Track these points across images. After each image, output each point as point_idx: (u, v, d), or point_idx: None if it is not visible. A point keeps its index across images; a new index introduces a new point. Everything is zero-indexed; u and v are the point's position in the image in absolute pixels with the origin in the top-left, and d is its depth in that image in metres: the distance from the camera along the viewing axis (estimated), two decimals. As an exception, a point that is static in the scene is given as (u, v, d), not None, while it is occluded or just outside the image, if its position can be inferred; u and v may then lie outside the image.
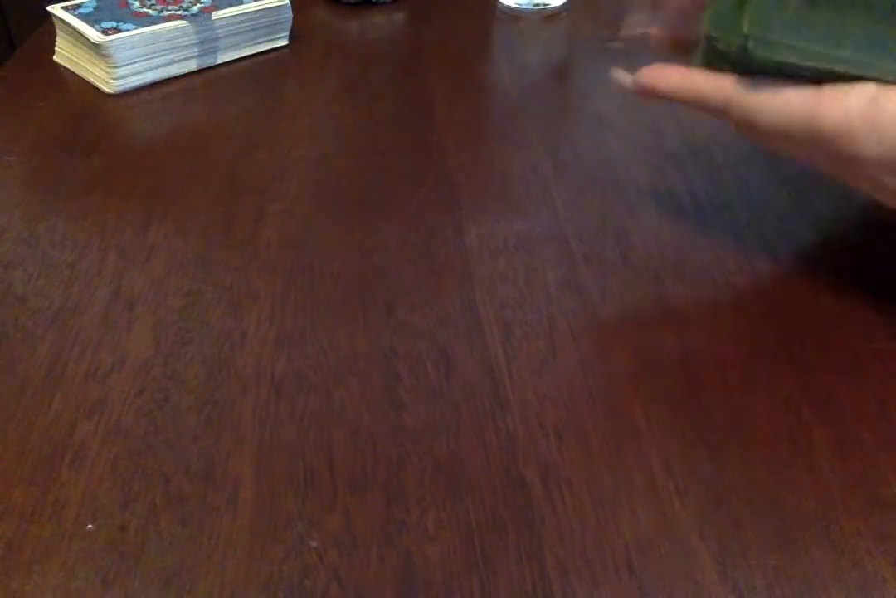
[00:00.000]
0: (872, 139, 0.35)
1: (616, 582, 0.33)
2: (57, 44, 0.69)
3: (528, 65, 0.71)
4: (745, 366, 0.42)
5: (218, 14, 0.67)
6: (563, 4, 0.79)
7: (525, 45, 0.74)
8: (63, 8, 0.67)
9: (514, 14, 0.78)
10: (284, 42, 0.72)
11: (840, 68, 0.36)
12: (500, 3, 0.79)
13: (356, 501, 0.36)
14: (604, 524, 0.35)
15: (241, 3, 0.69)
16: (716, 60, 0.40)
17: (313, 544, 0.34)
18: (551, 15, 0.79)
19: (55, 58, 0.69)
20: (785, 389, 0.41)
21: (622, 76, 0.45)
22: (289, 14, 0.71)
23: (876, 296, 0.46)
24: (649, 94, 0.43)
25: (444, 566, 0.33)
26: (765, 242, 0.50)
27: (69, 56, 0.68)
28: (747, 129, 0.39)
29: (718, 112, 0.40)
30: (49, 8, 0.67)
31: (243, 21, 0.69)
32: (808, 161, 0.40)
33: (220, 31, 0.68)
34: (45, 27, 0.73)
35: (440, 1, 0.81)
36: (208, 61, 0.69)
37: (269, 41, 0.71)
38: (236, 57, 0.70)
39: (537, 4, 0.78)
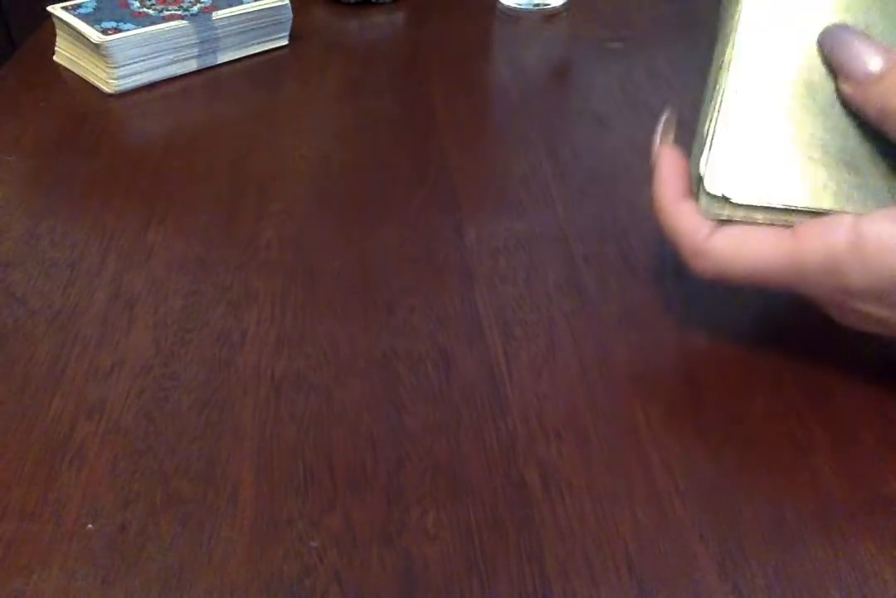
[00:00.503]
0: (858, 271, 0.34)
1: (616, 582, 0.33)
2: (57, 44, 0.69)
3: (528, 65, 0.71)
4: (745, 366, 0.42)
5: (218, 14, 0.67)
6: (563, 4, 0.79)
7: (525, 45, 0.74)
8: (63, 8, 0.67)
9: (514, 14, 0.79)
10: (284, 42, 0.72)
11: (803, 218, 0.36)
12: (500, 3, 0.79)
13: (356, 501, 0.36)
14: (604, 524, 0.35)
15: (241, 3, 0.69)
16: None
17: (313, 544, 0.34)
18: (551, 15, 0.79)
19: (55, 58, 0.69)
20: (785, 389, 0.41)
21: (666, 129, 0.41)
22: (289, 14, 0.71)
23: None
24: (651, 171, 0.40)
25: (444, 566, 0.33)
26: (765, 242, 0.50)
27: (69, 56, 0.68)
28: (718, 277, 0.37)
29: (685, 260, 0.38)
30: (49, 8, 0.67)
31: (243, 21, 0.69)
32: (789, 293, 0.38)
33: (220, 31, 0.68)
34: (45, 27, 0.73)
35: (440, 1, 0.81)
36: (208, 61, 0.69)
37: (269, 41, 0.71)
38: (236, 57, 0.70)
39: (537, 4, 0.78)
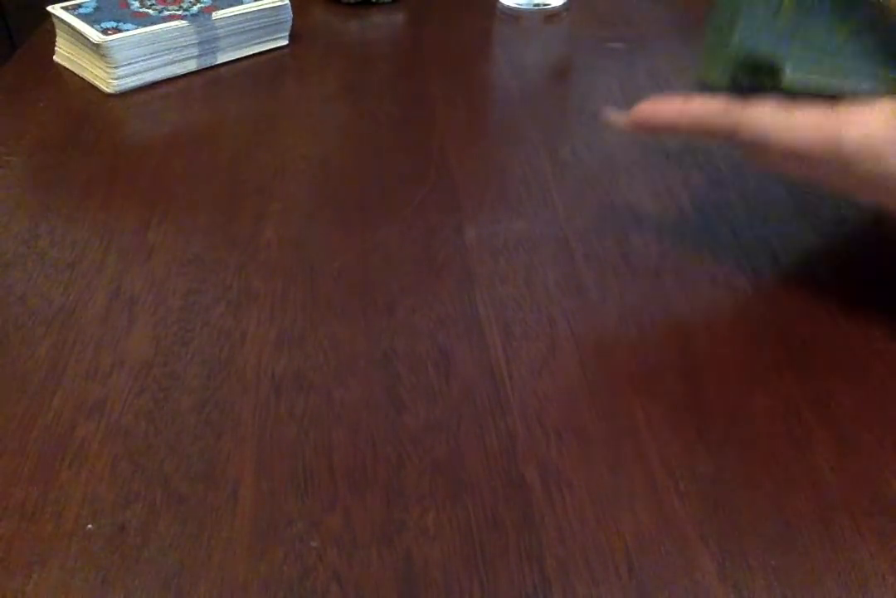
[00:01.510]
0: (893, 152, 0.35)
1: (616, 582, 0.33)
2: (57, 44, 0.69)
3: (528, 65, 0.71)
4: (745, 366, 0.42)
5: (218, 14, 0.67)
6: (563, 4, 0.79)
7: (525, 45, 0.74)
8: (63, 8, 0.67)
9: (514, 14, 0.78)
10: (284, 42, 0.72)
11: (847, 87, 0.37)
12: (500, 2, 0.79)
13: (356, 501, 0.36)
14: (604, 524, 0.35)
15: (241, 3, 0.69)
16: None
17: (313, 544, 0.34)
18: (551, 15, 0.79)
19: (55, 58, 0.69)
20: (785, 389, 0.41)
21: (615, 115, 0.43)
22: (289, 14, 0.71)
23: (876, 296, 0.46)
24: (648, 127, 0.42)
25: (444, 566, 0.33)
26: (764, 241, 0.50)
27: (69, 56, 0.68)
28: (759, 152, 0.39)
29: (726, 136, 0.39)
30: (49, 8, 0.67)
31: (243, 21, 0.69)
32: (823, 181, 0.39)
33: (220, 31, 0.68)
34: (45, 27, 0.73)
35: (440, 1, 0.81)
36: (208, 61, 0.69)
37: (269, 41, 0.71)
38: (236, 57, 0.70)
39: (537, 4, 0.78)
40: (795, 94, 0.38)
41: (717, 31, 0.40)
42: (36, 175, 0.56)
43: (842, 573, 0.33)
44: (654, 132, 0.42)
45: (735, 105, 0.38)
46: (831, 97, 0.37)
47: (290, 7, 0.71)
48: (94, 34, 0.63)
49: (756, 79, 0.40)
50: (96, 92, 0.65)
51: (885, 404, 0.40)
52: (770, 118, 0.37)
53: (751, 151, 0.39)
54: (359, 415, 0.39)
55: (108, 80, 0.64)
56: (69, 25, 0.65)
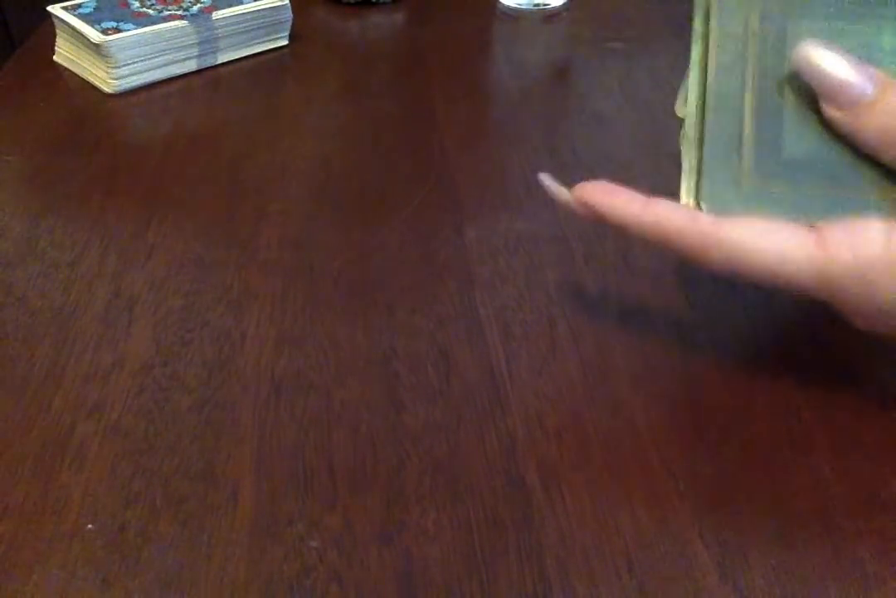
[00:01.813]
0: (886, 280, 0.32)
1: (616, 582, 0.33)
2: (57, 44, 0.69)
3: (528, 65, 0.71)
4: (745, 366, 0.42)
5: (218, 14, 0.67)
6: (563, 4, 0.79)
7: (525, 45, 0.74)
8: (63, 8, 0.67)
9: (514, 14, 0.79)
10: (284, 42, 0.72)
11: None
12: (500, 2, 0.79)
13: (356, 501, 0.36)
14: (604, 524, 0.35)
15: (241, 3, 0.69)
16: None
17: (313, 544, 0.34)
18: (551, 15, 0.79)
19: (55, 58, 0.69)
20: (785, 389, 0.41)
21: (552, 185, 0.38)
22: (289, 14, 0.71)
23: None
24: (592, 215, 0.36)
25: (444, 566, 0.33)
26: (765, 242, 0.49)
27: (69, 56, 0.68)
28: (730, 273, 0.34)
29: (691, 257, 0.34)
30: (49, 8, 0.67)
31: (243, 21, 0.69)
32: (805, 297, 0.35)
33: (220, 31, 0.68)
34: (45, 27, 0.73)
35: (440, 1, 0.81)
36: (208, 61, 0.69)
37: (269, 41, 0.71)
38: (236, 57, 0.70)
39: (537, 4, 0.78)
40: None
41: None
42: (36, 175, 0.56)
43: (842, 572, 0.33)
44: (598, 222, 0.36)
45: (705, 217, 0.34)
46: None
47: (290, 7, 0.71)
48: (94, 34, 0.63)
49: None
50: (96, 92, 0.65)
51: (885, 404, 0.40)
52: (746, 238, 0.33)
53: (718, 271, 0.34)
54: (359, 415, 0.39)
55: (108, 80, 0.64)
56: (69, 25, 0.65)
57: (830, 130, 0.35)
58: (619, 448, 0.38)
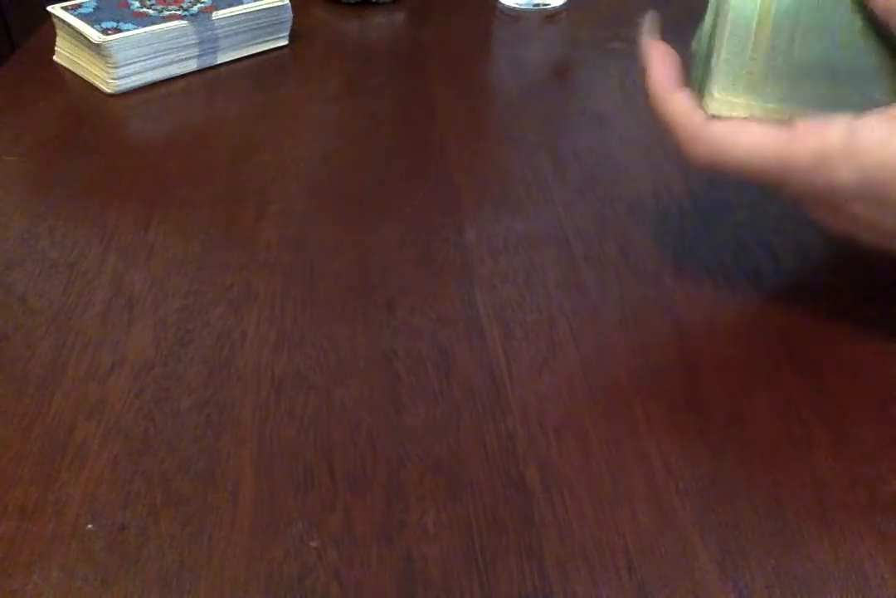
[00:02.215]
0: (848, 166, 0.34)
1: (616, 582, 0.33)
2: (57, 44, 0.69)
3: (528, 65, 0.71)
4: (745, 366, 0.42)
5: (218, 14, 0.67)
6: (563, 4, 0.79)
7: (525, 45, 0.74)
8: (63, 8, 0.67)
9: (514, 14, 0.79)
10: (284, 42, 0.72)
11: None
12: (500, 2, 0.79)
13: (356, 501, 0.36)
14: (604, 524, 0.35)
15: (241, 3, 0.69)
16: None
17: (313, 544, 0.34)
18: (551, 15, 0.79)
19: (55, 58, 0.69)
20: (785, 389, 0.41)
21: (651, 26, 0.42)
22: (289, 14, 0.71)
23: (876, 296, 0.46)
24: (642, 68, 0.41)
25: (444, 566, 0.33)
26: (764, 241, 0.50)
27: (69, 56, 0.68)
28: (711, 163, 0.38)
29: (681, 145, 0.38)
30: (49, 8, 0.67)
31: (243, 21, 0.69)
32: (778, 191, 0.38)
33: (220, 31, 0.68)
34: (45, 27, 0.73)
35: (440, 1, 0.81)
36: (208, 61, 0.69)
37: (269, 41, 0.71)
38: (236, 57, 0.70)
39: (537, 4, 0.78)
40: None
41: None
42: (36, 175, 0.56)
43: (842, 572, 0.33)
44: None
45: (699, 118, 0.38)
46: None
47: (290, 7, 0.71)
48: (94, 34, 0.63)
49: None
50: (96, 92, 0.65)
51: (885, 404, 0.40)
52: (727, 136, 0.36)
53: (703, 164, 0.38)
54: (359, 415, 0.39)
55: (108, 80, 0.64)
56: (69, 25, 0.65)
57: (840, 34, 0.37)
58: (619, 448, 0.38)
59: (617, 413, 0.39)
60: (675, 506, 0.35)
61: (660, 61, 0.40)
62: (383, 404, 0.40)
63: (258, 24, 0.70)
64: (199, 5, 0.69)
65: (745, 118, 0.38)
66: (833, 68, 0.37)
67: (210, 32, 0.67)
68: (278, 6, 0.70)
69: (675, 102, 0.39)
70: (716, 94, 0.38)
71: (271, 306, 0.45)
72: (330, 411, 0.40)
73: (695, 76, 0.40)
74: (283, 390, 0.40)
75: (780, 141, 0.35)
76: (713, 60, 0.38)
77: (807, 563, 0.33)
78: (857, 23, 0.37)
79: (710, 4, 0.40)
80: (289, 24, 0.72)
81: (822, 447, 0.38)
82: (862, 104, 0.36)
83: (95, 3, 0.68)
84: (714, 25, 0.39)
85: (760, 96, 0.38)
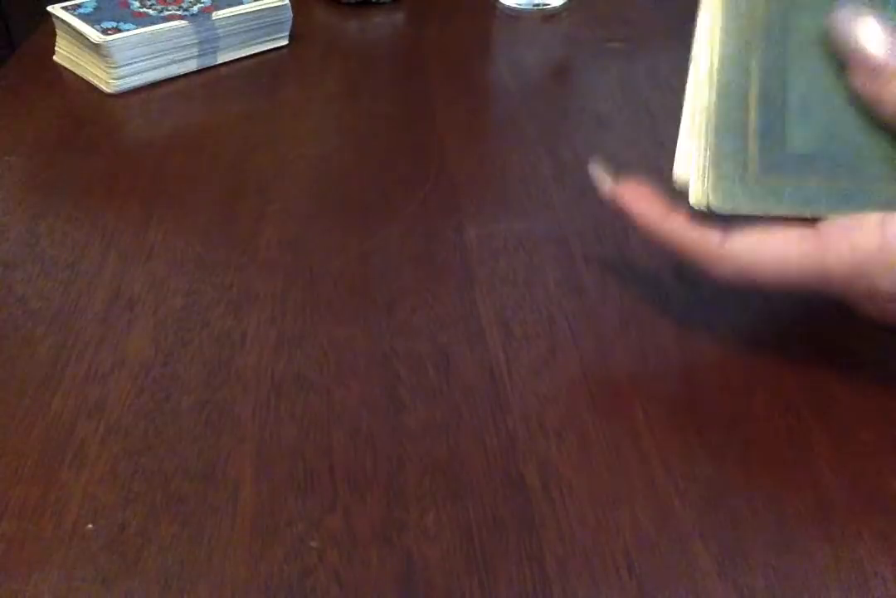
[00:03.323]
0: (888, 274, 0.33)
1: (616, 582, 0.33)
2: (57, 44, 0.69)
3: (528, 65, 0.71)
4: (745, 366, 0.42)
5: (218, 14, 0.67)
6: (563, 4, 0.79)
7: (525, 45, 0.74)
8: (63, 8, 0.67)
9: (514, 14, 0.78)
10: (284, 42, 0.72)
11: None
12: (500, 3, 0.79)
13: (356, 501, 0.36)
14: (604, 524, 0.35)
15: (241, 3, 0.69)
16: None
17: (313, 544, 0.34)
18: (551, 15, 0.78)
19: (55, 58, 0.69)
20: (785, 389, 0.41)
21: (601, 174, 0.41)
22: (289, 14, 0.71)
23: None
24: (622, 214, 0.39)
25: (444, 566, 0.33)
26: (765, 242, 0.49)
27: (69, 56, 0.68)
28: (742, 282, 0.36)
29: (700, 267, 0.36)
30: (49, 8, 0.67)
31: (243, 21, 0.69)
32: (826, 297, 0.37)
33: (220, 31, 0.68)
34: (45, 27, 0.73)
35: (440, 1, 0.81)
36: (208, 61, 0.69)
37: (269, 41, 0.71)
38: (236, 57, 0.70)
39: (537, 4, 0.78)
40: None
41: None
42: (36, 175, 0.56)
43: (842, 572, 0.33)
44: (625, 221, 0.39)
45: (715, 234, 0.36)
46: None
47: (290, 7, 0.71)
48: (94, 34, 0.63)
49: None
50: (96, 92, 0.65)
51: (885, 404, 0.40)
52: (753, 250, 0.35)
53: (732, 281, 0.36)
54: (359, 415, 0.39)
55: (108, 80, 0.64)
56: (69, 25, 0.65)
57: (834, 123, 0.36)
58: (619, 448, 0.38)
59: (617, 413, 0.39)
60: (674, 506, 0.35)
61: (636, 198, 0.38)
62: (383, 404, 0.40)
63: (258, 24, 0.70)
64: (199, 5, 0.69)
65: (761, 224, 0.35)
66: (833, 160, 0.36)
67: (210, 32, 0.67)
68: (278, 6, 0.70)
69: (679, 230, 0.37)
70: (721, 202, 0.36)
71: (271, 306, 0.45)
72: (330, 411, 0.40)
73: (693, 156, 0.38)
74: (282, 391, 0.40)
75: (809, 254, 0.34)
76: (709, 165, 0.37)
77: (807, 563, 0.33)
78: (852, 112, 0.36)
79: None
80: (289, 25, 0.72)
81: (822, 447, 0.38)
82: (871, 200, 0.35)
83: (95, 3, 0.68)
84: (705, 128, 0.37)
85: (763, 196, 0.36)
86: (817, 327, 0.44)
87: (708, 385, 0.41)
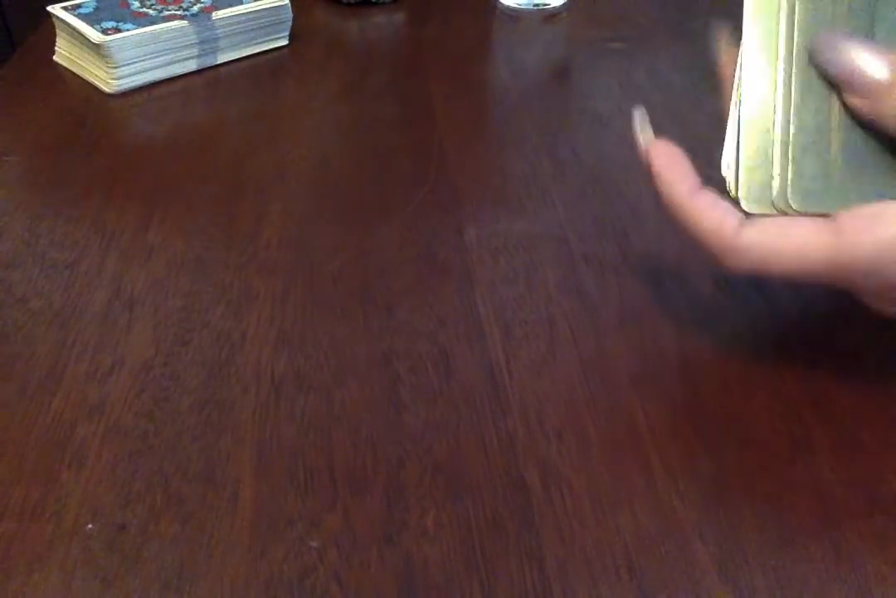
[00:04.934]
0: None
1: (616, 582, 0.33)
2: (57, 44, 0.69)
3: (528, 65, 0.71)
4: (745, 366, 0.42)
5: (218, 14, 0.67)
6: (563, 4, 0.79)
7: (525, 45, 0.74)
8: (63, 8, 0.67)
9: (514, 14, 0.78)
10: (284, 42, 0.72)
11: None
12: (500, 3, 0.79)
13: (356, 501, 0.36)
14: (604, 524, 0.35)
15: (241, 3, 0.69)
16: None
17: (313, 544, 0.34)
18: (551, 15, 0.79)
19: (55, 58, 0.69)
20: (785, 389, 0.41)
21: (643, 125, 0.38)
22: (289, 14, 0.71)
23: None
24: (648, 171, 0.37)
25: (444, 566, 0.33)
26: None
27: (69, 56, 0.68)
28: (757, 274, 0.35)
29: (712, 257, 0.35)
30: (49, 8, 0.67)
31: (243, 21, 0.69)
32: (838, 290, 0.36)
33: (220, 31, 0.68)
34: (45, 27, 0.73)
35: (440, 1, 0.81)
36: (208, 61, 0.69)
37: (269, 41, 0.71)
38: (236, 57, 0.70)
39: (537, 4, 0.78)
40: None
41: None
42: (36, 175, 0.56)
43: (842, 573, 0.33)
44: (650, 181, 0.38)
45: (730, 224, 0.35)
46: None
47: (290, 7, 0.71)
48: (94, 34, 0.63)
49: None
50: (96, 92, 0.65)
51: (885, 404, 0.40)
52: (769, 243, 0.34)
53: (747, 273, 0.35)
54: (359, 415, 0.39)
55: (108, 80, 0.64)
56: (69, 25, 0.65)
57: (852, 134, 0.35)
58: (619, 448, 0.38)
59: (617, 413, 0.39)
60: (674, 506, 0.35)
61: (670, 163, 0.36)
62: (383, 404, 0.40)
63: (258, 24, 0.70)
64: (199, 5, 0.69)
65: (781, 219, 0.35)
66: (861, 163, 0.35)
67: (210, 32, 0.67)
68: (278, 6, 0.70)
69: (699, 211, 0.35)
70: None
71: (271, 306, 0.45)
72: (330, 411, 0.40)
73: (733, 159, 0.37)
74: (282, 391, 0.40)
75: (828, 246, 0.33)
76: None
77: (807, 563, 0.33)
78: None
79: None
80: (289, 25, 0.72)
81: (822, 448, 0.38)
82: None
83: (95, 3, 0.68)
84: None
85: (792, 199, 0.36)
86: (817, 327, 0.44)
87: (708, 385, 0.41)
